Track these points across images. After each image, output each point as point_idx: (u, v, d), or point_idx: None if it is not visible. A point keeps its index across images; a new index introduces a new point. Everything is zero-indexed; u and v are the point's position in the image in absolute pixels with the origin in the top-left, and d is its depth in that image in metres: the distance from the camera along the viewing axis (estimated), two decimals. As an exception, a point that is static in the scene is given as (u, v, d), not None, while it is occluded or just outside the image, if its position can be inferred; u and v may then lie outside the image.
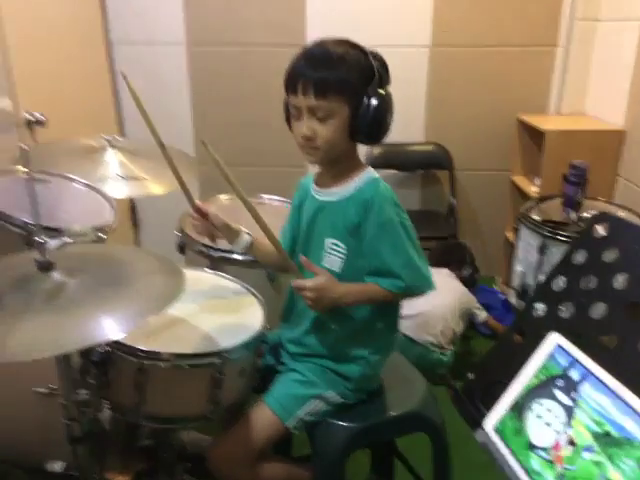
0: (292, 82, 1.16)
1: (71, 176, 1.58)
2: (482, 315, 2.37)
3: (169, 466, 1.42)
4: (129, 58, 2.93)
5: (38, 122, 2.04)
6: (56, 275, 0.96)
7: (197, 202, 1.34)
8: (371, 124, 1.16)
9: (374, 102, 1.14)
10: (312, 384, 1.29)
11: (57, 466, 1.32)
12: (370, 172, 1.24)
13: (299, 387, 1.29)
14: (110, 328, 0.85)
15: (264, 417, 1.27)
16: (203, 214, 1.33)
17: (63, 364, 1.01)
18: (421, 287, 1.22)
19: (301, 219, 1.34)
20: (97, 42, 2.79)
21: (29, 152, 0.99)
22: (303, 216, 1.33)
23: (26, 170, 0.95)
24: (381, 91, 1.15)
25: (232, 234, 1.35)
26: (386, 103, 1.16)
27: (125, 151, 1.83)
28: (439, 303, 2.17)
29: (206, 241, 1.73)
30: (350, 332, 1.27)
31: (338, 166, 1.25)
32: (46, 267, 0.96)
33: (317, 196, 1.29)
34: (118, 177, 1.69)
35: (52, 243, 0.95)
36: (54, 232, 1.29)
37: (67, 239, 0.97)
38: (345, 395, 1.30)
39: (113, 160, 1.78)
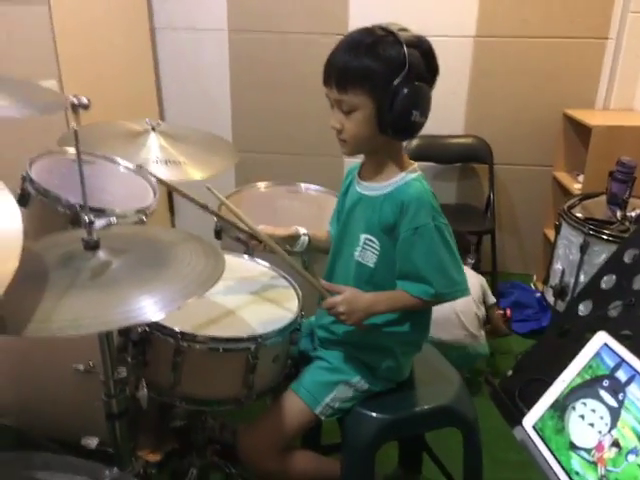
0: (324, 70, 1.15)
1: (116, 158, 1.60)
2: (492, 299, 2.26)
3: (200, 448, 1.44)
4: (172, 44, 2.96)
5: (82, 105, 2.09)
6: (101, 254, 0.98)
7: (258, 230, 1.31)
8: (396, 120, 1.10)
9: (400, 96, 1.07)
10: (338, 370, 1.29)
11: (92, 442, 1.35)
12: (412, 171, 1.21)
13: (325, 374, 1.30)
14: (151, 308, 0.86)
15: (293, 405, 1.27)
16: (258, 240, 1.34)
17: (105, 342, 1.03)
18: (453, 293, 1.19)
19: (343, 208, 1.33)
20: (141, 28, 2.82)
21: (78, 133, 1.00)
22: (345, 205, 1.32)
23: (75, 150, 0.96)
24: (414, 84, 1.08)
25: (292, 240, 1.38)
26: (415, 98, 1.09)
27: (166, 135, 1.85)
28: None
29: (242, 226, 1.75)
30: (379, 325, 1.27)
31: (376, 159, 1.23)
32: (92, 246, 0.97)
33: (358, 187, 1.28)
34: (159, 161, 1.71)
35: (98, 223, 0.97)
36: (98, 212, 1.32)
37: (113, 219, 0.98)
38: (372, 382, 1.30)
39: (155, 144, 1.80)
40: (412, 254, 1.16)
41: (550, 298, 2.20)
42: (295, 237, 1.37)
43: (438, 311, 1.98)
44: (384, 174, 1.22)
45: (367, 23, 1.15)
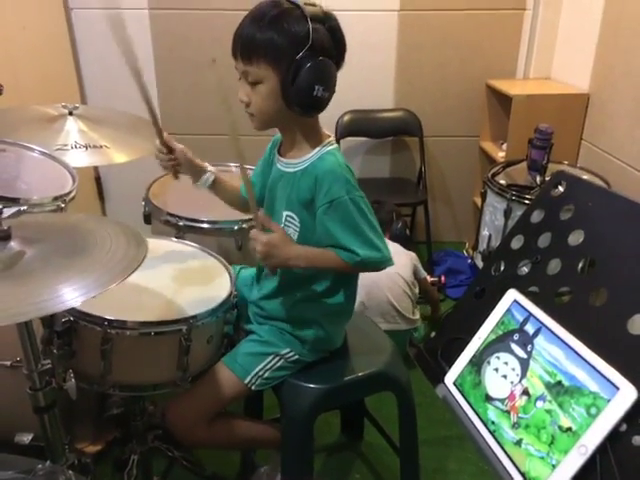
0: (232, 43, 1.14)
1: (29, 145, 1.53)
2: (422, 273, 2.28)
3: (140, 434, 1.43)
4: (89, 24, 2.82)
5: (-6, 90, 1.98)
6: (13, 244, 0.94)
7: (166, 135, 1.31)
8: (300, 94, 1.09)
9: (302, 70, 1.07)
10: (268, 343, 1.31)
11: (25, 438, 1.31)
12: (327, 145, 1.20)
13: (256, 346, 1.31)
14: (68, 296, 0.84)
15: (222, 376, 1.28)
16: (170, 149, 1.32)
17: (25, 334, 1.00)
18: (378, 262, 1.19)
19: (266, 183, 1.32)
20: (55, 8, 2.68)
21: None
22: (268, 181, 1.32)
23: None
24: (317, 59, 1.07)
25: (196, 172, 1.35)
26: (318, 72, 1.08)
27: (86, 119, 1.79)
28: (386, 281, 2.08)
29: (172, 210, 1.72)
30: (307, 299, 1.29)
31: (291, 135, 1.22)
32: (2, 236, 0.94)
33: (278, 164, 1.28)
34: (78, 146, 1.65)
35: (7, 212, 0.93)
36: (12, 202, 1.26)
37: (22, 207, 0.94)
38: (301, 354, 1.32)
39: (74, 128, 1.74)
40: (330, 227, 1.17)
41: (479, 263, 2.30)
42: (201, 170, 1.35)
43: (373, 302, 2.04)
44: (299, 150, 1.22)
45: None
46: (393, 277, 2.08)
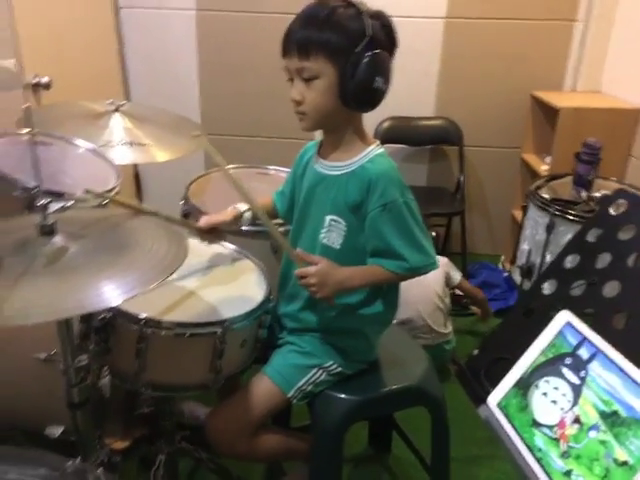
0: (283, 42, 1.13)
1: (75, 140, 1.54)
2: (456, 276, 2.21)
3: (168, 434, 1.42)
4: (137, 23, 2.87)
5: (43, 85, 2.02)
6: (57, 239, 0.95)
7: (199, 225, 1.32)
8: (358, 87, 1.09)
9: (362, 63, 1.07)
10: (311, 355, 1.28)
11: (56, 431, 1.32)
12: (376, 148, 1.19)
13: (299, 357, 1.28)
14: (109, 294, 0.83)
15: (265, 388, 1.26)
16: (211, 230, 1.33)
17: (64, 329, 1.00)
18: (426, 267, 1.19)
19: (301, 188, 1.30)
20: (104, 6, 2.73)
21: (32, 112, 0.96)
22: (303, 185, 1.29)
23: (28, 131, 0.91)
24: (375, 52, 1.08)
25: (238, 222, 1.35)
26: (377, 64, 1.09)
27: (130, 116, 1.80)
28: (418, 296, 2.01)
29: (208, 209, 1.72)
30: (347, 309, 1.26)
31: (338, 136, 1.20)
32: (47, 231, 0.94)
33: (318, 167, 1.25)
34: (123, 142, 1.66)
35: (53, 207, 0.93)
36: (57, 196, 1.27)
37: (68, 203, 0.94)
38: (344, 365, 1.29)
39: (118, 125, 1.75)
40: (383, 231, 1.15)
41: (517, 278, 2.23)
42: (238, 216, 1.35)
43: (406, 316, 1.97)
44: (346, 152, 1.20)
45: None
46: (425, 290, 2.04)
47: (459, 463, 1.67)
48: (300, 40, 1.09)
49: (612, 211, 0.93)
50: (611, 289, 0.86)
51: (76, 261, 0.90)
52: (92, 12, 2.61)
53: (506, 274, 2.71)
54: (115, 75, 2.87)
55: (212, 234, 1.34)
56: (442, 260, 2.16)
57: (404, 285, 1.28)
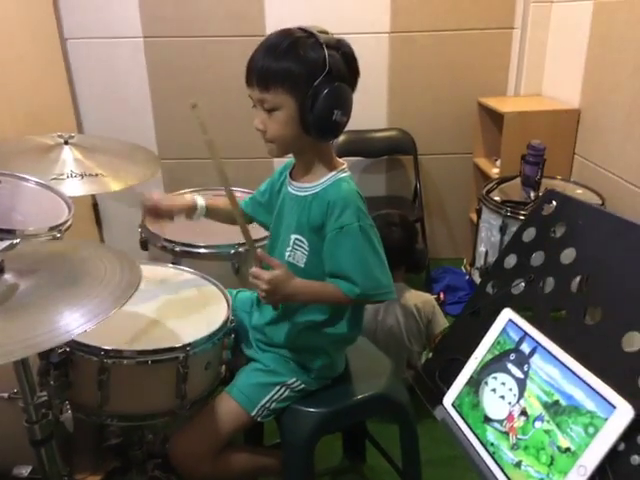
0: (246, 72, 1.15)
1: (23, 175, 1.54)
2: (437, 328, 1.96)
3: (139, 463, 1.41)
4: (85, 54, 2.87)
5: (-11, 122, 2.00)
6: (6, 277, 0.95)
7: (145, 199, 1.34)
8: (318, 119, 1.10)
9: (321, 96, 1.08)
10: (274, 372, 1.30)
11: (24, 470, 1.30)
12: (340, 172, 1.21)
13: (262, 376, 1.30)
14: (64, 329, 0.83)
15: (227, 408, 1.27)
16: (156, 209, 1.34)
17: (20, 368, 0.99)
18: (378, 295, 1.19)
19: (276, 205, 1.32)
20: (50, 39, 2.72)
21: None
22: (277, 203, 1.32)
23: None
24: (334, 84, 1.09)
25: (187, 210, 1.38)
26: (336, 97, 1.10)
27: (82, 148, 1.81)
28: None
29: (168, 236, 1.73)
30: (310, 327, 1.28)
31: (305, 160, 1.23)
32: (-4, 269, 0.94)
33: (289, 187, 1.28)
34: (74, 175, 1.66)
35: (0, 245, 0.93)
36: (8, 234, 1.27)
37: (15, 240, 0.94)
38: (307, 382, 1.31)
39: (69, 158, 1.75)
40: (337, 253, 1.17)
41: (477, 279, 2.30)
42: (191, 208, 1.37)
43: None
44: (313, 175, 1.22)
45: (283, 24, 1.16)
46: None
47: (432, 466, 1.70)
48: (259, 72, 1.11)
49: (544, 211, 0.98)
50: (547, 285, 0.91)
51: (27, 298, 0.90)
52: (38, 45, 2.60)
53: (468, 277, 2.77)
54: (66, 107, 2.85)
55: (158, 215, 1.36)
56: (427, 300, 2.01)
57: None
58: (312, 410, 1.28)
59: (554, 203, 0.98)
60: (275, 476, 1.43)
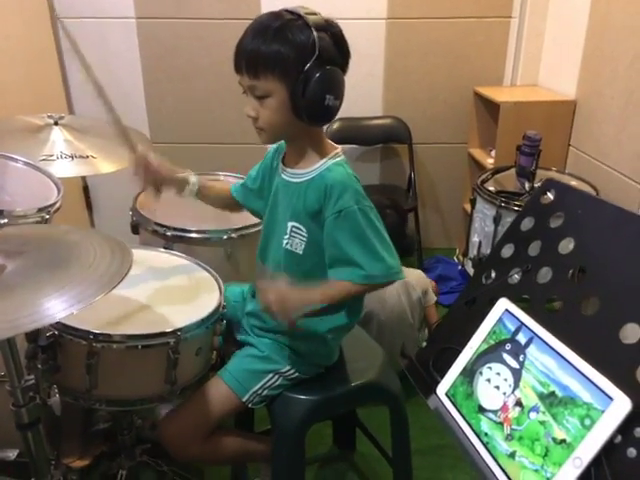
0: (234, 58, 1.11)
1: (12, 155, 1.50)
2: (432, 298, 2.11)
3: (128, 448, 1.40)
4: (77, 34, 2.78)
5: (-22, 101, 1.96)
6: (-6, 258, 0.92)
7: (140, 148, 1.30)
8: (310, 105, 1.08)
9: (312, 81, 1.05)
10: (269, 359, 1.29)
11: (10, 454, 1.29)
12: (335, 156, 1.19)
13: (256, 362, 1.29)
14: (47, 312, 0.81)
15: (220, 392, 1.26)
16: (147, 163, 1.29)
17: (7, 350, 0.98)
18: (386, 276, 1.15)
19: (270, 192, 1.30)
20: (41, 18, 2.66)
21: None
22: (271, 190, 1.29)
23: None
24: (325, 68, 1.06)
25: (179, 183, 1.34)
26: (328, 82, 1.08)
27: (72, 129, 1.77)
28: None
29: (159, 220, 1.70)
30: (309, 313, 1.26)
31: (297, 146, 1.21)
32: (-18, 250, 0.92)
33: (282, 174, 1.25)
34: (64, 156, 1.63)
35: (-13, 224, 0.91)
36: (-4, 214, 1.24)
37: (2, 221, 0.92)
38: (302, 370, 1.30)
39: (59, 138, 1.71)
40: (338, 238, 1.14)
41: (470, 269, 2.30)
42: (184, 182, 1.34)
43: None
44: (306, 160, 1.20)
45: (280, 6, 1.12)
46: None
47: (422, 455, 1.71)
48: (249, 58, 1.08)
49: (542, 200, 0.97)
50: (544, 275, 0.90)
51: (14, 280, 0.88)
52: (29, 24, 2.54)
53: (460, 267, 2.77)
54: (57, 88, 2.80)
55: (147, 172, 1.30)
56: (419, 274, 2.11)
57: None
58: (303, 397, 1.28)
59: (553, 192, 0.97)
60: (264, 462, 1.43)
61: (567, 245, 0.91)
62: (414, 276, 2.07)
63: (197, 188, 1.35)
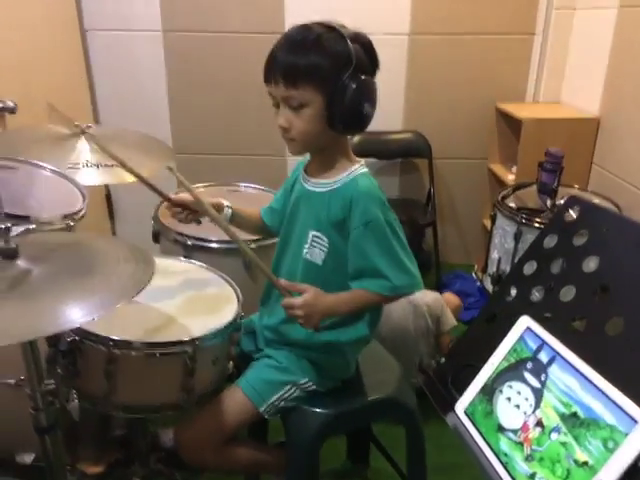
0: (266, 68, 1.13)
1: (39, 163, 1.53)
2: (450, 322, 1.99)
3: (142, 456, 1.41)
4: (104, 46, 2.87)
5: (8, 109, 2.00)
6: (20, 263, 0.94)
7: (171, 196, 1.32)
8: (347, 114, 1.10)
9: (350, 90, 1.08)
10: (286, 371, 1.28)
11: (27, 458, 1.30)
12: (359, 167, 1.20)
13: (274, 373, 1.28)
14: (73, 316, 0.83)
15: (237, 401, 1.26)
16: (181, 205, 1.32)
17: (29, 353, 0.99)
18: (410, 287, 1.19)
19: (289, 203, 1.31)
20: (71, 30, 2.73)
21: (3, 137, 0.96)
22: (291, 200, 1.30)
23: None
24: (361, 77, 1.09)
25: (216, 209, 1.34)
26: (365, 91, 1.10)
27: (97, 138, 1.80)
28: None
29: (180, 229, 1.72)
30: (328, 325, 1.25)
31: (324, 156, 1.21)
32: (9, 254, 0.93)
33: (304, 184, 1.26)
34: (90, 164, 1.66)
35: (15, 230, 0.92)
36: (22, 220, 1.26)
37: (31, 226, 0.94)
38: (319, 383, 1.29)
39: (85, 148, 1.74)
40: (365, 249, 1.15)
41: (489, 286, 2.28)
42: (217, 208, 1.34)
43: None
44: (331, 170, 1.21)
45: (303, 21, 1.15)
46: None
47: (437, 472, 1.68)
48: (287, 68, 1.09)
49: (566, 218, 0.96)
50: (567, 293, 0.89)
51: (39, 285, 0.89)
52: (58, 35, 2.61)
53: (479, 283, 2.75)
54: (83, 98, 2.86)
55: (184, 213, 1.32)
56: (436, 297, 2.01)
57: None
58: (319, 411, 1.27)
59: (577, 210, 0.96)
60: (276, 475, 1.42)
61: (591, 264, 0.90)
62: (430, 297, 1.98)
63: (231, 213, 1.35)
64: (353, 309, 1.22)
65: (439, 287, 2.79)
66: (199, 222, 1.36)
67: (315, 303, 1.15)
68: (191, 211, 1.32)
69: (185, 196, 1.30)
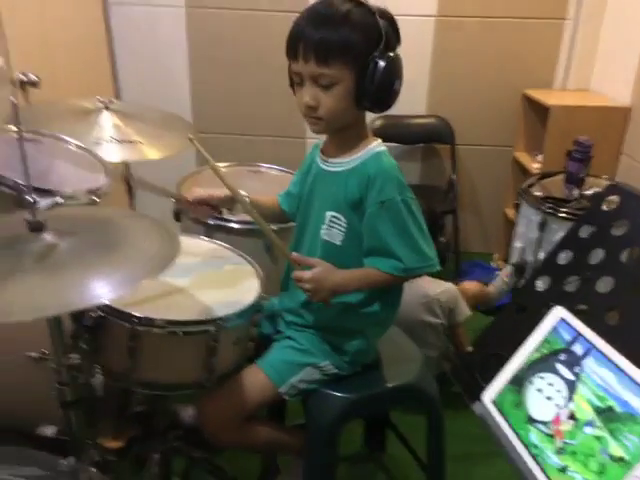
0: (292, 45, 1.09)
1: (64, 137, 1.52)
2: (464, 312, 1.96)
3: (161, 432, 1.41)
4: (127, 20, 2.85)
5: (31, 82, 1.99)
6: (47, 236, 0.93)
7: (191, 198, 1.33)
8: (379, 91, 1.08)
9: (380, 67, 1.06)
10: (308, 353, 1.28)
11: (49, 431, 1.31)
12: (377, 145, 1.19)
13: (295, 354, 1.28)
14: (99, 291, 0.82)
15: (257, 380, 1.26)
16: (201, 202, 1.32)
17: (54, 328, 0.99)
18: (423, 268, 1.18)
19: (305, 185, 1.30)
20: (93, 3, 2.71)
21: (20, 110, 0.95)
22: (307, 182, 1.29)
23: (16, 128, 0.90)
24: (390, 54, 1.07)
25: (231, 201, 1.33)
26: (395, 67, 1.08)
27: (120, 114, 1.78)
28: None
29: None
30: (349, 307, 1.25)
31: (343, 135, 1.19)
32: (36, 228, 0.93)
33: (321, 164, 1.25)
34: (112, 140, 1.65)
35: (43, 203, 0.92)
36: (46, 193, 1.25)
37: (58, 199, 0.93)
38: (340, 367, 1.28)
39: (108, 123, 1.73)
40: (379, 228, 1.14)
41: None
42: (235, 200, 1.33)
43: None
44: (348, 149, 1.19)
45: None
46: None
47: (455, 461, 1.66)
48: (318, 44, 1.05)
49: (604, 207, 0.93)
50: (604, 285, 0.86)
51: (65, 258, 0.89)
52: (81, 9, 2.59)
53: (499, 272, 2.71)
54: (105, 73, 2.85)
55: (202, 209, 1.34)
56: (447, 289, 1.96)
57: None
58: (339, 395, 1.26)
59: (616, 198, 0.93)
60: (294, 455, 1.42)
61: (632, 254, 0.87)
62: (442, 289, 1.93)
63: (249, 203, 1.34)
64: (364, 287, 1.21)
65: (458, 275, 2.76)
66: (220, 212, 1.39)
67: (325, 277, 1.15)
68: (211, 206, 1.33)
69: (200, 192, 1.33)
